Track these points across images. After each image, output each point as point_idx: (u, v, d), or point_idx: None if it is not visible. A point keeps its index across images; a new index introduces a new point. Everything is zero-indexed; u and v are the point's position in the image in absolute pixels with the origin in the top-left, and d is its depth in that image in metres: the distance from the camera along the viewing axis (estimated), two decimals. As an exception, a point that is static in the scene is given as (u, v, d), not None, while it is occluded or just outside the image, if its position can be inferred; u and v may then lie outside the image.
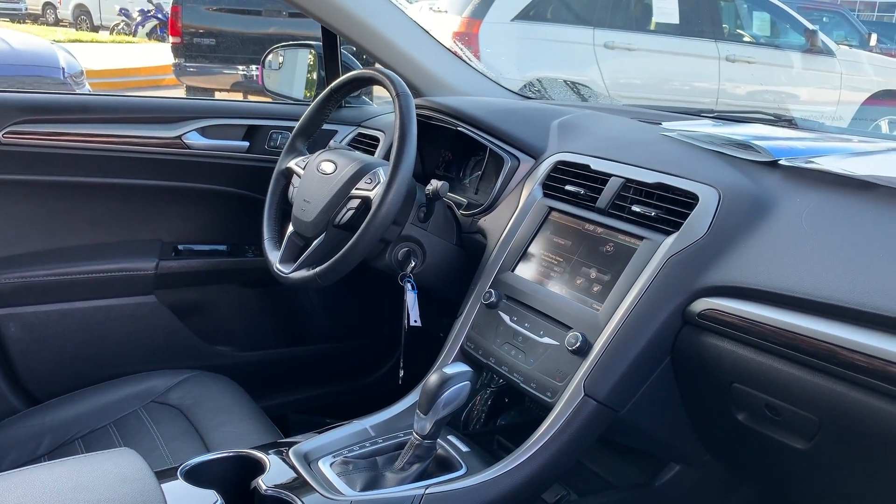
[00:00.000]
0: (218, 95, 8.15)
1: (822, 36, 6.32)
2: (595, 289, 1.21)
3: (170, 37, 8.08)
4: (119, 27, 14.80)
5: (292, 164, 1.60)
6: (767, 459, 1.16)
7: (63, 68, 5.53)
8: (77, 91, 5.60)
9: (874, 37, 7.85)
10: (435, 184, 1.43)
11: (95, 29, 15.82)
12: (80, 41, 12.74)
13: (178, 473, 1.06)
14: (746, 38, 6.53)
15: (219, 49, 7.89)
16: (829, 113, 6.09)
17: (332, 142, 1.70)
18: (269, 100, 2.20)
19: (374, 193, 1.39)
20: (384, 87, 1.44)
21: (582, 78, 5.57)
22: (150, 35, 13.95)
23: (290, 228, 1.53)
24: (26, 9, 17.22)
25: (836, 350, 0.92)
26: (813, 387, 0.96)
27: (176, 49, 7.86)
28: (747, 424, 1.11)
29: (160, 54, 9.93)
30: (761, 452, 1.16)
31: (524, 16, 5.53)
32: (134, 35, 14.28)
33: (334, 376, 2.09)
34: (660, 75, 5.95)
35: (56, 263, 1.69)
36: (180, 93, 8.33)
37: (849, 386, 0.92)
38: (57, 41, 9.47)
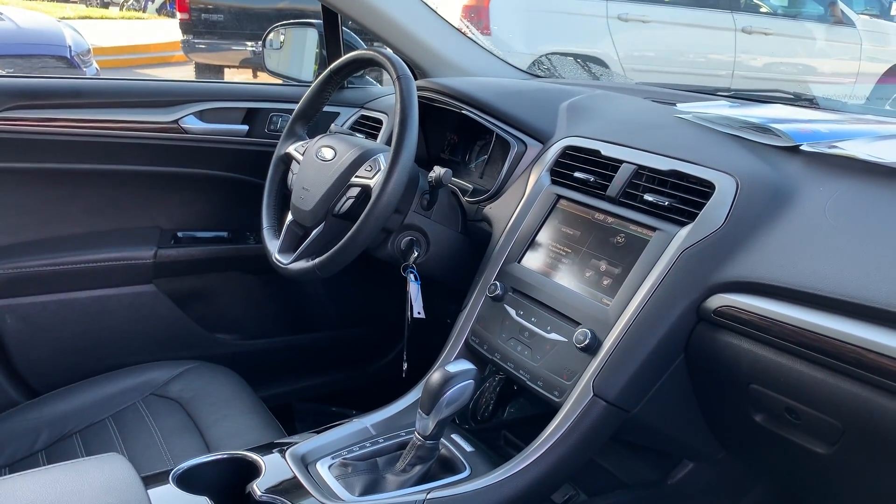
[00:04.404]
0: (227, 72, 8.09)
1: (841, 5, 6.15)
2: (605, 282, 1.16)
3: (178, 13, 8.00)
4: (129, 3, 14.72)
5: (291, 149, 1.55)
6: (786, 461, 1.11)
7: (70, 46, 5.48)
8: (84, 69, 5.56)
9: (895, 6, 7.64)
10: (438, 171, 1.37)
11: (105, 5, 15.73)
12: (90, 17, 12.68)
13: (170, 478, 1.02)
14: (763, 9, 6.36)
15: (227, 25, 7.81)
16: (848, 85, 5.94)
17: (332, 125, 1.64)
18: (269, 81, 2.14)
19: (375, 182, 1.33)
20: (384, 68, 1.38)
21: (595, 51, 5.45)
22: (159, 11, 13.88)
23: (290, 217, 1.48)
24: (35, -15, 17.15)
25: (862, 353, 0.86)
26: (837, 391, 0.90)
27: (184, 25, 7.79)
28: (765, 426, 1.05)
29: (170, 30, 9.85)
30: (779, 454, 1.11)
31: (536, -12, 5.42)
32: (144, 11, 14.22)
33: (339, 364, 2.05)
34: (675, 48, 5.81)
35: (52, 253, 1.65)
36: (189, 69, 8.28)
37: (876, 391, 0.86)
38: (66, 18, 9.43)
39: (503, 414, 1.65)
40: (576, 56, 5.33)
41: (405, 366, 1.45)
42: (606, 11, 5.52)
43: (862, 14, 6.77)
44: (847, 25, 6.11)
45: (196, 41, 7.82)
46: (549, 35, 5.44)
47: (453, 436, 1.20)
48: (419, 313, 1.43)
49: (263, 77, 7.57)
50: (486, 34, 5.18)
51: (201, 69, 8.09)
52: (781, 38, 5.97)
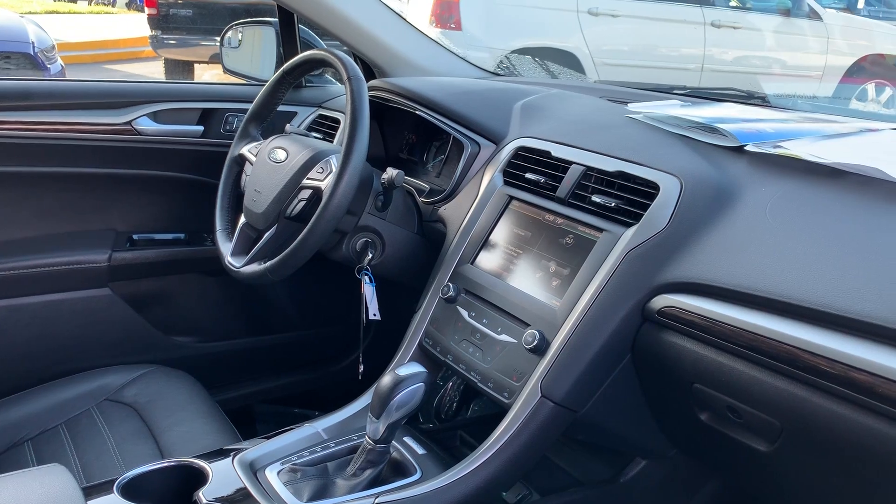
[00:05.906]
0: (197, 67, 8.00)
1: (809, 0, 6.21)
2: (554, 283, 1.16)
3: (146, 7, 7.89)
4: (97, -3, 14.52)
5: (245, 150, 1.54)
6: (732, 459, 1.12)
7: (33, 43, 5.37)
8: (49, 66, 5.46)
9: (862, 0, 7.74)
10: (391, 172, 1.37)
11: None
12: (58, 12, 12.49)
13: (115, 488, 1.01)
14: (733, 3, 6.41)
15: (196, 20, 7.71)
16: (815, 80, 6.01)
17: (287, 126, 1.63)
18: (225, 80, 2.12)
19: (326, 184, 1.32)
20: (335, 68, 1.37)
21: (566, 46, 5.46)
22: (129, 5, 13.70)
23: (242, 219, 1.47)
24: (1, -21, 16.82)
25: (796, 353, 0.88)
26: (774, 390, 0.91)
27: (152, 20, 7.66)
28: (710, 424, 1.07)
29: (139, 25, 9.71)
30: (725, 452, 1.12)
31: (506, -18, 5.41)
32: (113, 6, 14.02)
33: (300, 365, 2.04)
34: (645, 42, 5.84)
35: (2, 257, 1.62)
36: (158, 65, 8.17)
37: (810, 390, 0.88)
38: (32, 13, 9.26)
39: (467, 412, 1.66)
40: (547, 51, 5.34)
41: (361, 368, 1.45)
42: (577, 6, 5.53)
43: (829, 8, 6.85)
44: (814, 19, 6.18)
45: (165, 36, 7.70)
46: (519, 30, 5.43)
47: (405, 438, 1.20)
48: (374, 315, 1.42)
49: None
50: (456, 29, 5.17)
51: (170, 65, 7.99)
52: (750, 32, 6.02)
